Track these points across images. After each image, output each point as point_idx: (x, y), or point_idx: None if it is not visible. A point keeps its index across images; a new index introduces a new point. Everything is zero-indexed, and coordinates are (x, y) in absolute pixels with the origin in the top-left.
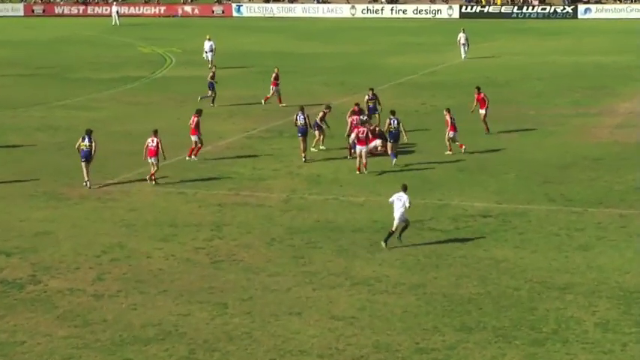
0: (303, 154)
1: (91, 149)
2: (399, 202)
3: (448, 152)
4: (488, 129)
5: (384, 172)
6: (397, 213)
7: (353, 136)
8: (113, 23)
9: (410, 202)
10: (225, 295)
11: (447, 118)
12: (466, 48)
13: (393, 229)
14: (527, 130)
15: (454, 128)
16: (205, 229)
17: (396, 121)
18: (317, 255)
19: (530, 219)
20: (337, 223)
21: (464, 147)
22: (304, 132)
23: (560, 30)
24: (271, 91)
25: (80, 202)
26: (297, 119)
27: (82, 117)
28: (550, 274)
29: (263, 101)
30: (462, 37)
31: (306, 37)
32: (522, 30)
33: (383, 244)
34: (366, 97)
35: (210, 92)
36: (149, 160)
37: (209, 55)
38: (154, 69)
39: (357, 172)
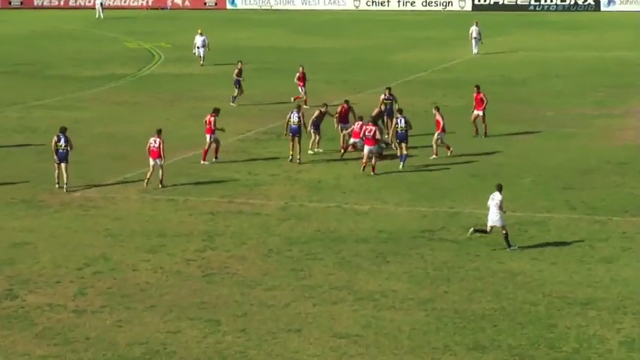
0: (291, 154)
1: (67, 150)
2: (493, 201)
3: (433, 156)
4: (477, 130)
5: (388, 173)
6: (490, 214)
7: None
8: (97, 16)
9: (501, 202)
10: (217, 311)
11: (438, 117)
12: (478, 42)
13: (488, 230)
14: (545, 132)
15: (443, 129)
16: (196, 240)
17: (403, 120)
18: (317, 267)
19: (549, 228)
20: (339, 233)
21: (451, 150)
22: (297, 132)
23: (581, 23)
24: (302, 91)
25: (61, 210)
26: (290, 118)
27: (63, 118)
28: (571, 289)
29: (293, 99)
30: (474, 30)
31: (305, 31)
32: (540, 23)
33: (508, 248)
34: (382, 96)
35: (237, 91)
36: (151, 162)
37: (201, 50)
38: (140, 66)
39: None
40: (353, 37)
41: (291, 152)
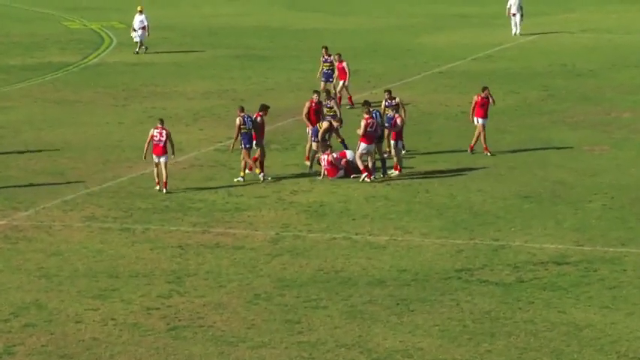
0: (243, 173)
1: None
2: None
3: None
4: (487, 149)
5: (413, 194)
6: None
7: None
8: None
9: None
10: None
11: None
12: (518, 20)
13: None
14: (620, 139)
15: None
16: (160, 282)
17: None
18: (319, 318)
19: (625, 267)
20: (348, 273)
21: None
22: (250, 141)
23: None
24: (340, 85)
25: None
26: (244, 122)
27: None
28: None
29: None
30: (512, 4)
31: (304, 7)
32: None
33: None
34: (383, 102)
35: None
36: (154, 160)
37: (139, 33)
38: (85, 52)
39: (368, 180)
40: (366, 14)
41: (243, 172)
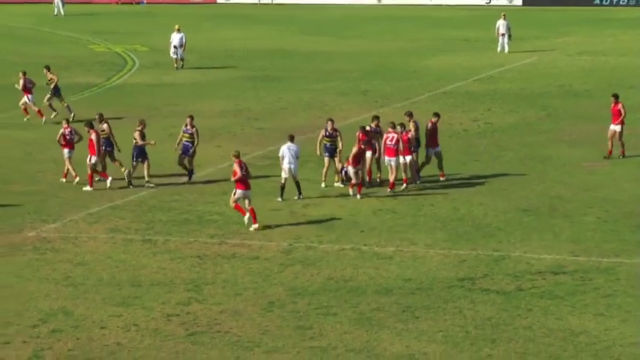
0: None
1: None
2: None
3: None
4: (611, 151)
5: (418, 207)
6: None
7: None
8: (55, 13)
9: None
10: None
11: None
12: (506, 40)
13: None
14: (615, 156)
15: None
16: (179, 290)
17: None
18: (330, 324)
19: (619, 277)
20: (357, 282)
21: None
22: (188, 150)
23: None
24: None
25: (10, 253)
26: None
27: (11, 138)
28: None
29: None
30: (501, 25)
31: (314, 31)
32: (610, 21)
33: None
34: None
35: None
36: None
37: (179, 51)
38: (109, 74)
39: (389, 190)
40: (374, 38)
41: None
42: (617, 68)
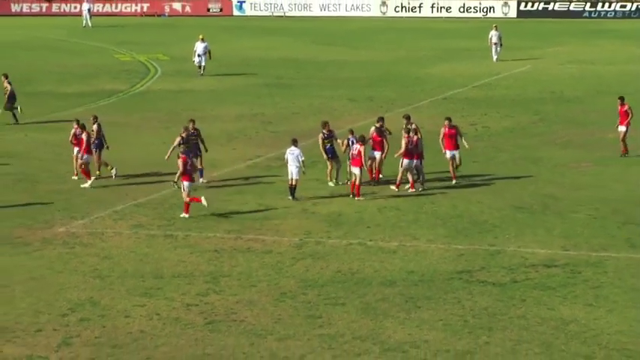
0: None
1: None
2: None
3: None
4: (626, 150)
5: (420, 205)
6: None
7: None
8: (84, 24)
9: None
10: None
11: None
12: (498, 48)
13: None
14: (604, 158)
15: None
16: (198, 282)
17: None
18: (338, 314)
19: (607, 270)
20: (363, 274)
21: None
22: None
23: None
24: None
25: (41, 248)
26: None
27: (42, 141)
28: (631, 340)
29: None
30: (493, 35)
31: (326, 41)
32: (597, 32)
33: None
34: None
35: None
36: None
37: (202, 58)
38: (134, 81)
39: (412, 190)
40: (379, 48)
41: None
42: (605, 76)
